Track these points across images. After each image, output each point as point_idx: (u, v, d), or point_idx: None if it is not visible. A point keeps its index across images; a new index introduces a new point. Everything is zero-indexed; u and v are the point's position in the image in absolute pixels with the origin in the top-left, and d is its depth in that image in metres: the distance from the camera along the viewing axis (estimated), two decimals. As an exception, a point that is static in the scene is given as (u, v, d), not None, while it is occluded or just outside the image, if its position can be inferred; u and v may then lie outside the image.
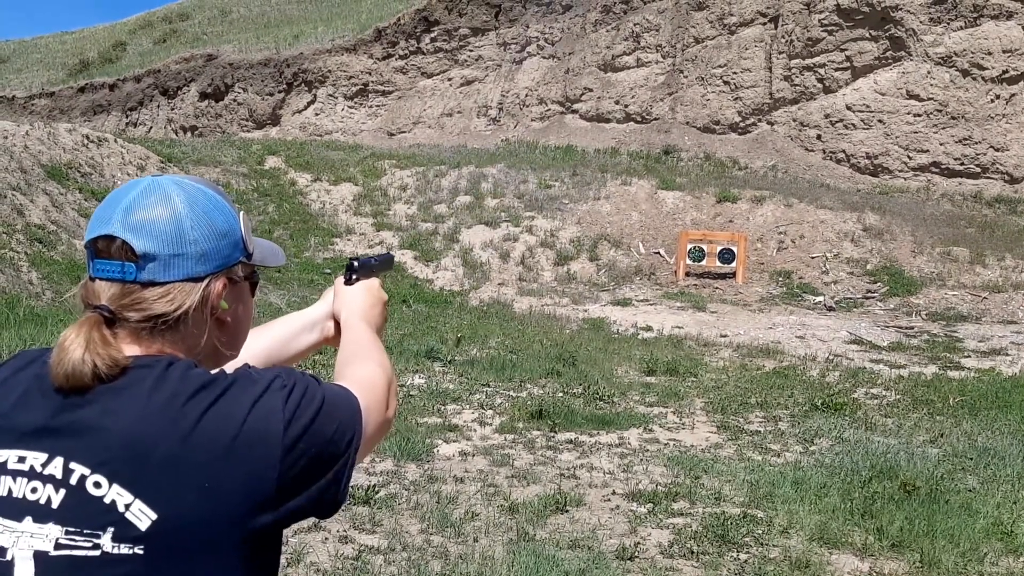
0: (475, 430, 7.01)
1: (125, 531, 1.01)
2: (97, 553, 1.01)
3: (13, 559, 1.02)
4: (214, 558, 1.04)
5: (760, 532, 5.01)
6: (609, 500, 5.54)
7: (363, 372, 1.29)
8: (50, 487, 1.03)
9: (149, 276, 1.10)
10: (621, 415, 7.65)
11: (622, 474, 6.07)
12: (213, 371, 1.13)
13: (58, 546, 1.01)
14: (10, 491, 1.04)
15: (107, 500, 1.01)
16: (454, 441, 6.66)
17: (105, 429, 1.04)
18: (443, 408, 7.57)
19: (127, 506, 1.01)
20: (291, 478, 1.07)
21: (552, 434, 6.97)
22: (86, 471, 1.03)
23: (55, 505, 1.02)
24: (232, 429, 1.05)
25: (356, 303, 1.52)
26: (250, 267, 1.25)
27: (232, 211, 1.21)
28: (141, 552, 1.01)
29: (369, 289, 1.55)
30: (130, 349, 1.11)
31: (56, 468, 1.03)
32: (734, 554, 4.71)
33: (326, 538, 4.65)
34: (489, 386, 8.49)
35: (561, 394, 8.27)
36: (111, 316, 1.10)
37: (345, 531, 4.74)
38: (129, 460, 1.02)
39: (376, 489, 5.33)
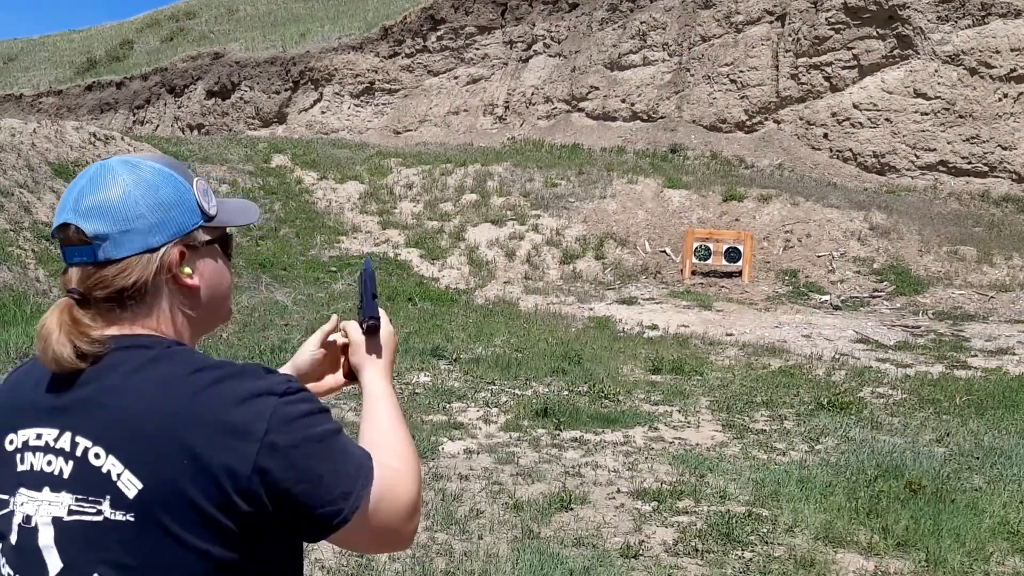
0: (480, 428, 7.02)
1: (119, 499, 1.09)
2: (100, 519, 1.10)
3: (36, 525, 1.12)
4: (203, 534, 1.08)
5: (765, 531, 5.01)
6: (614, 498, 5.54)
7: (392, 474, 1.20)
8: (61, 459, 1.12)
9: (105, 255, 1.16)
10: (626, 413, 7.64)
11: (627, 472, 6.07)
12: (201, 344, 1.16)
13: (70, 512, 1.11)
14: (31, 465, 1.14)
15: (104, 470, 1.10)
16: (459, 439, 6.67)
17: (104, 404, 1.12)
18: (448, 406, 7.57)
19: (118, 475, 1.09)
20: (266, 484, 1.09)
21: (557, 432, 6.97)
22: (88, 443, 1.11)
23: (66, 476, 1.12)
24: (220, 415, 1.09)
25: (382, 361, 1.43)
26: (218, 229, 1.28)
27: (183, 180, 1.23)
28: (132, 520, 1.09)
29: (388, 341, 1.45)
30: (110, 330, 1.17)
31: (65, 442, 1.12)
32: (739, 552, 4.71)
33: (331, 535, 4.65)
34: (494, 384, 8.49)
35: (566, 392, 8.26)
36: (81, 297, 1.17)
37: (350, 528, 4.74)
38: (122, 433, 1.10)
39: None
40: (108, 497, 1.09)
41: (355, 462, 1.15)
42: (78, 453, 1.11)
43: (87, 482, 1.10)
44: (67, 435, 1.12)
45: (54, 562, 1.11)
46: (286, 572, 1.19)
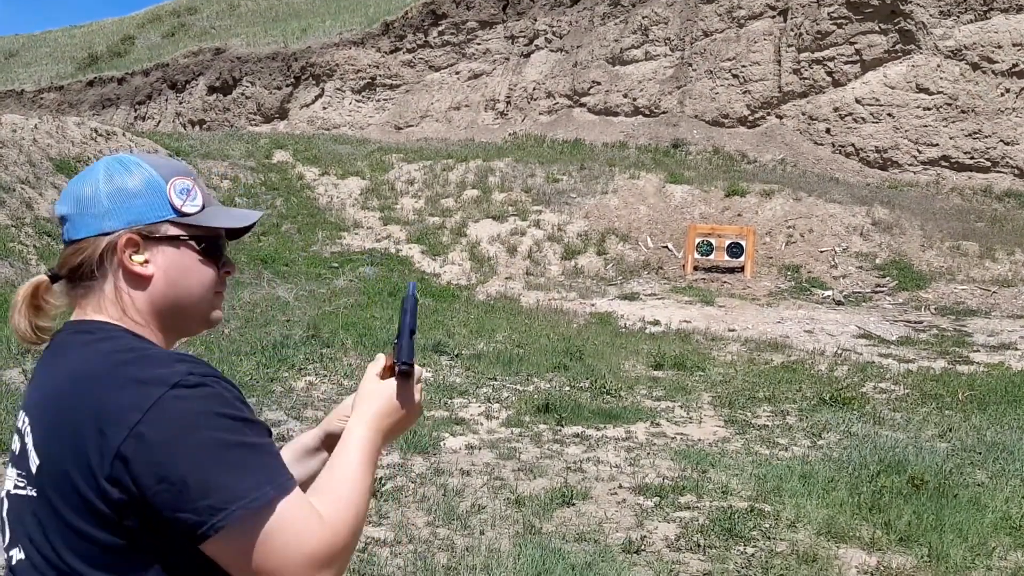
0: (482, 423, 7.01)
1: (30, 474, 1.15)
2: (25, 493, 1.17)
3: (3, 499, 1.23)
4: (85, 516, 1.09)
5: (767, 526, 5.00)
6: (616, 493, 5.53)
7: (309, 520, 1.09)
8: (19, 439, 1.21)
9: (69, 235, 1.25)
10: (628, 409, 7.64)
11: (629, 468, 6.06)
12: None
13: (15, 487, 1.19)
14: (12, 444, 1.24)
15: (28, 448, 1.17)
16: (461, 434, 6.67)
17: (40, 386, 1.21)
18: (450, 402, 7.57)
19: (28, 453, 1.16)
20: (129, 473, 1.06)
21: (559, 428, 6.96)
22: (28, 423, 1.19)
23: (18, 453, 1.20)
24: (104, 399, 1.09)
25: (376, 409, 1.29)
26: (197, 228, 1.27)
27: (157, 176, 1.25)
28: (35, 494, 1.14)
29: (408, 405, 1.31)
30: (75, 314, 1.25)
31: (23, 423, 1.21)
32: (741, 548, 4.70)
33: (332, 530, 4.65)
34: (496, 380, 8.48)
35: (568, 388, 8.26)
36: (53, 275, 1.27)
37: (351, 524, 4.73)
38: (38, 413, 1.17)
39: (382, 482, 5.34)
40: (26, 473, 1.16)
41: (247, 482, 1.05)
42: (24, 432, 1.19)
43: (23, 460, 1.18)
44: (24, 416, 1.21)
45: (7, 533, 1.21)
46: (195, 568, 1.10)
